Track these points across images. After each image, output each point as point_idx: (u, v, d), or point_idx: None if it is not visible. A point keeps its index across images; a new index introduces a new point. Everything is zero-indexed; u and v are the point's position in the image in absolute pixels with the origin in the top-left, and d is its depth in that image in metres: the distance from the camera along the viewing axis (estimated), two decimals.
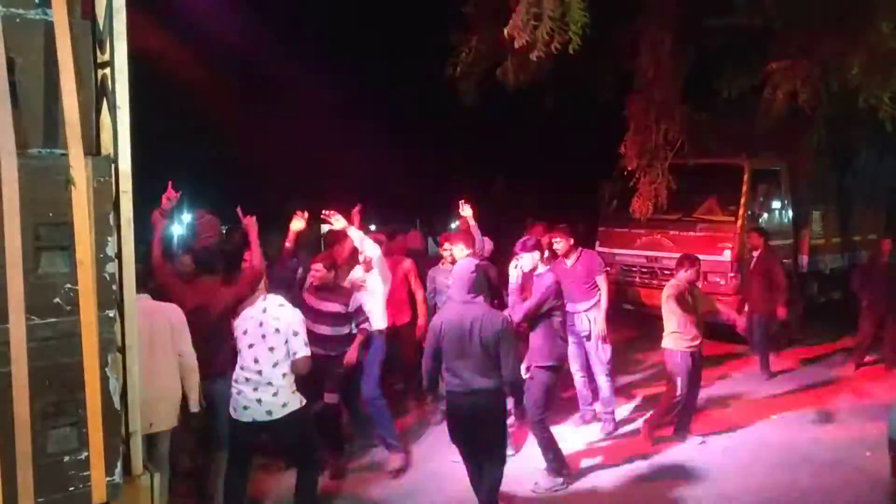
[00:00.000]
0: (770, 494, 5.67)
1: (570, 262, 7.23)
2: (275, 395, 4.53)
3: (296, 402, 4.63)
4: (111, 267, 2.90)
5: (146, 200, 4.99)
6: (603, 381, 7.18)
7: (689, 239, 10.00)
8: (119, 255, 2.99)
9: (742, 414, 7.55)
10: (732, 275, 9.69)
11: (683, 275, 6.77)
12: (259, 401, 4.52)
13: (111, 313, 2.91)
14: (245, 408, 4.54)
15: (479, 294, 4.81)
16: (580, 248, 7.37)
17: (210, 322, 5.00)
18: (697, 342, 6.66)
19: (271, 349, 4.55)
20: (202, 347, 4.88)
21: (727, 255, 9.72)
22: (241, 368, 4.61)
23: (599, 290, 7.21)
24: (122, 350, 3.04)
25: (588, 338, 7.13)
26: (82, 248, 2.80)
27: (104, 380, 2.88)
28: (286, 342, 4.58)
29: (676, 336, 6.59)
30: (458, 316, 4.73)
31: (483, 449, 4.88)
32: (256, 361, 4.55)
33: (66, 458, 2.83)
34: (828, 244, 11.45)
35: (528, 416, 5.90)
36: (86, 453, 2.86)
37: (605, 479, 5.98)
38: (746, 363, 9.64)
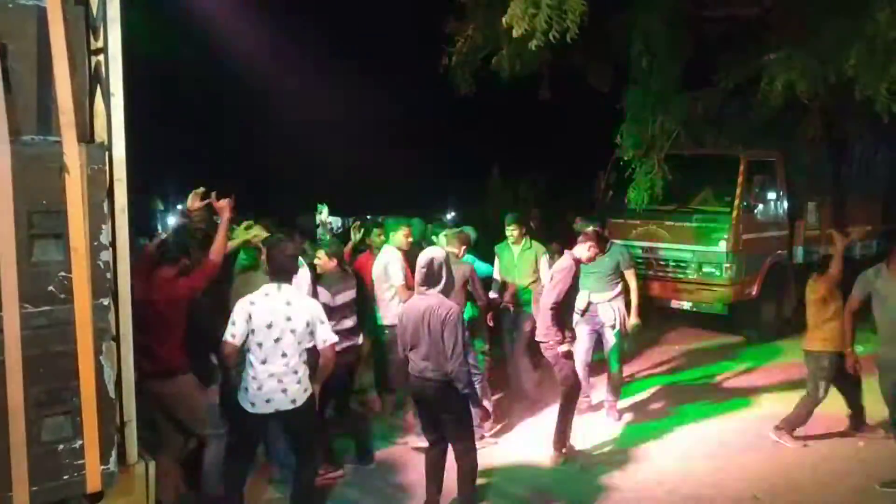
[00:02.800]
0: (764, 484, 5.69)
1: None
2: (298, 382, 4.48)
3: (310, 387, 4.59)
4: (105, 255, 2.89)
5: (143, 191, 4.96)
6: (616, 369, 7.18)
7: (684, 230, 10.01)
8: (113, 244, 2.99)
9: (734, 404, 7.57)
10: (728, 265, 9.70)
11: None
12: (285, 391, 4.43)
13: (105, 301, 2.91)
14: (268, 400, 4.43)
15: (434, 285, 4.85)
16: (609, 241, 7.21)
17: (170, 316, 4.74)
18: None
19: (300, 342, 4.47)
20: (165, 343, 4.68)
21: (722, 246, 9.72)
22: (263, 363, 4.40)
23: (621, 281, 7.20)
24: (117, 338, 3.03)
25: (612, 327, 7.07)
26: (76, 236, 2.79)
27: (99, 368, 2.88)
28: (311, 333, 4.50)
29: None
30: (416, 307, 4.86)
31: (450, 435, 4.96)
32: (284, 355, 4.40)
33: (61, 447, 2.83)
34: (823, 235, 11.46)
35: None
36: (80, 442, 2.86)
37: (606, 467, 5.99)
38: (737, 354, 9.67)
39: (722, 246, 9.73)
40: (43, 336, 2.76)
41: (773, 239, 10.43)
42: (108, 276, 2.92)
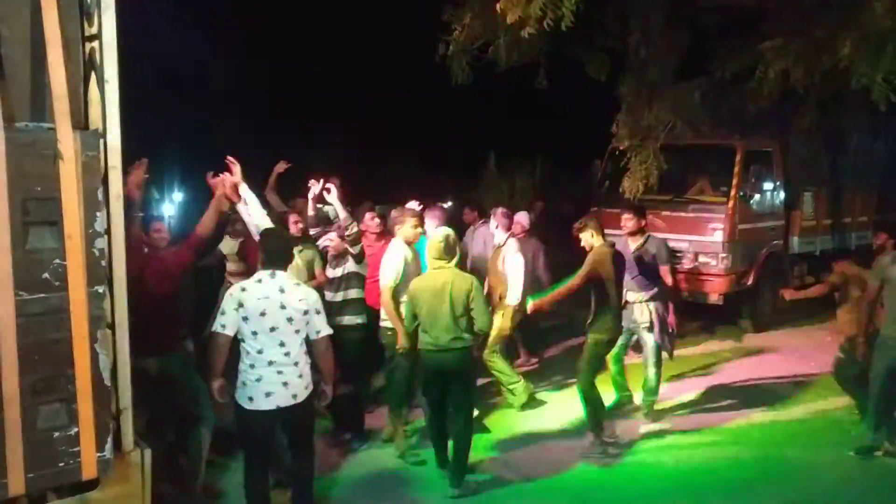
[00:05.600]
0: (758, 471, 5.72)
1: (634, 245, 6.70)
2: (300, 377, 4.28)
3: (311, 382, 4.42)
4: (100, 242, 2.89)
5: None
6: (652, 373, 6.74)
7: (681, 220, 9.99)
8: (108, 231, 2.98)
9: (731, 391, 7.60)
10: (724, 255, 9.72)
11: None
12: (285, 384, 4.21)
13: (101, 289, 2.90)
14: (268, 394, 4.19)
15: (449, 259, 5.18)
16: (648, 233, 6.81)
17: (158, 292, 4.65)
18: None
19: (297, 331, 4.25)
20: (153, 320, 4.46)
21: (718, 236, 9.73)
22: (259, 353, 4.19)
23: (661, 280, 6.67)
24: (112, 326, 3.03)
25: (650, 329, 6.61)
26: (71, 224, 2.78)
27: (94, 356, 2.88)
28: (308, 323, 4.29)
29: None
30: (431, 280, 5.19)
31: (454, 403, 5.32)
32: (283, 345, 4.21)
33: (56, 434, 2.83)
34: (819, 226, 11.48)
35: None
36: (76, 429, 2.86)
37: (601, 456, 6.01)
38: (732, 343, 9.71)
39: (718, 236, 9.74)
40: (38, 323, 2.75)
41: (769, 229, 10.44)
42: (104, 263, 2.91)
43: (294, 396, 4.27)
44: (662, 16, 9.08)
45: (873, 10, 6.89)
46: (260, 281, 4.29)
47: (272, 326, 4.20)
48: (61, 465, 2.84)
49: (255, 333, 4.20)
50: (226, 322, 4.20)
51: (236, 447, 5.71)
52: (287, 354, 4.24)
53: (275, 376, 4.21)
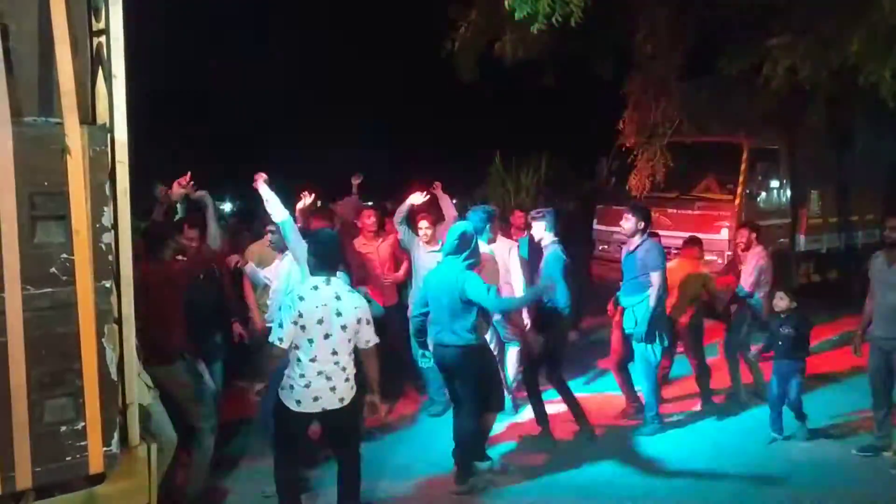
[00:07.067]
0: (764, 468, 5.72)
1: (630, 247, 6.35)
2: (346, 380, 4.29)
3: (356, 384, 4.40)
4: (107, 237, 2.88)
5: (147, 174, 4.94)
6: (644, 387, 6.43)
7: (687, 217, 9.98)
8: (115, 226, 2.97)
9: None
10: (729, 253, 9.70)
11: None
12: (333, 389, 4.24)
13: (108, 284, 2.90)
14: (316, 399, 4.22)
15: (459, 255, 5.08)
16: (646, 235, 6.30)
17: (163, 302, 4.66)
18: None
19: (349, 340, 4.26)
20: (156, 329, 4.42)
21: (724, 234, 9.72)
22: (312, 361, 4.20)
23: (651, 286, 6.13)
24: (119, 321, 3.03)
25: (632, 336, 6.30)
26: (78, 218, 2.78)
27: (101, 350, 2.88)
28: (358, 332, 4.29)
29: None
30: (440, 274, 5.16)
31: (453, 398, 5.37)
32: (335, 353, 4.22)
33: (63, 429, 2.83)
34: (825, 224, 11.45)
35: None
36: (82, 424, 2.86)
37: (607, 455, 6.02)
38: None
39: (724, 234, 9.72)
40: (45, 318, 2.75)
41: (775, 227, 10.42)
42: (111, 258, 2.91)
43: (341, 400, 4.29)
44: (669, 12, 9.05)
45: (882, 7, 6.86)
46: (316, 287, 4.27)
47: (326, 334, 4.20)
48: (68, 459, 2.84)
49: (311, 341, 4.20)
50: (283, 336, 4.22)
51: (243, 447, 5.79)
52: (337, 363, 4.25)
53: (324, 382, 4.24)
